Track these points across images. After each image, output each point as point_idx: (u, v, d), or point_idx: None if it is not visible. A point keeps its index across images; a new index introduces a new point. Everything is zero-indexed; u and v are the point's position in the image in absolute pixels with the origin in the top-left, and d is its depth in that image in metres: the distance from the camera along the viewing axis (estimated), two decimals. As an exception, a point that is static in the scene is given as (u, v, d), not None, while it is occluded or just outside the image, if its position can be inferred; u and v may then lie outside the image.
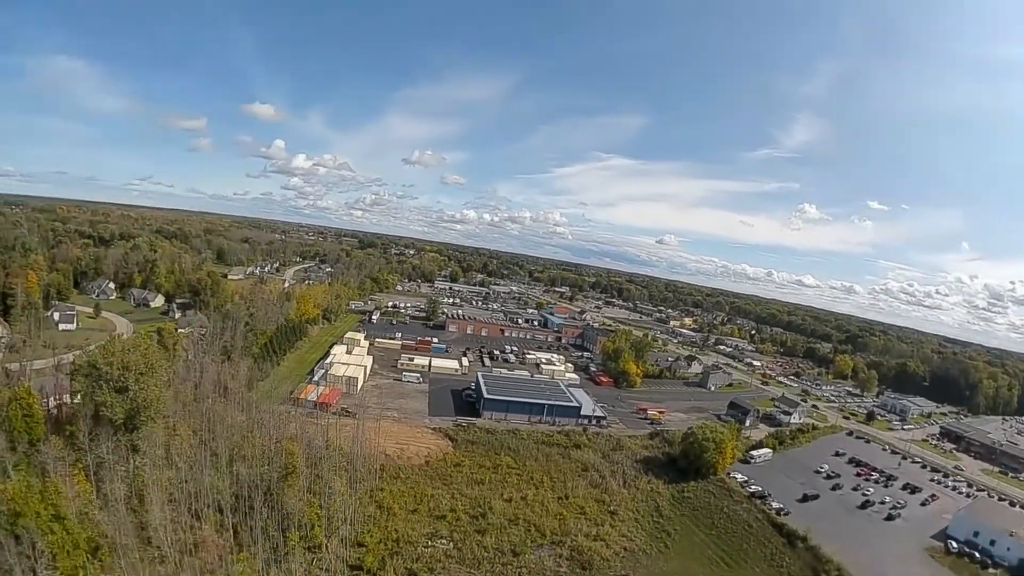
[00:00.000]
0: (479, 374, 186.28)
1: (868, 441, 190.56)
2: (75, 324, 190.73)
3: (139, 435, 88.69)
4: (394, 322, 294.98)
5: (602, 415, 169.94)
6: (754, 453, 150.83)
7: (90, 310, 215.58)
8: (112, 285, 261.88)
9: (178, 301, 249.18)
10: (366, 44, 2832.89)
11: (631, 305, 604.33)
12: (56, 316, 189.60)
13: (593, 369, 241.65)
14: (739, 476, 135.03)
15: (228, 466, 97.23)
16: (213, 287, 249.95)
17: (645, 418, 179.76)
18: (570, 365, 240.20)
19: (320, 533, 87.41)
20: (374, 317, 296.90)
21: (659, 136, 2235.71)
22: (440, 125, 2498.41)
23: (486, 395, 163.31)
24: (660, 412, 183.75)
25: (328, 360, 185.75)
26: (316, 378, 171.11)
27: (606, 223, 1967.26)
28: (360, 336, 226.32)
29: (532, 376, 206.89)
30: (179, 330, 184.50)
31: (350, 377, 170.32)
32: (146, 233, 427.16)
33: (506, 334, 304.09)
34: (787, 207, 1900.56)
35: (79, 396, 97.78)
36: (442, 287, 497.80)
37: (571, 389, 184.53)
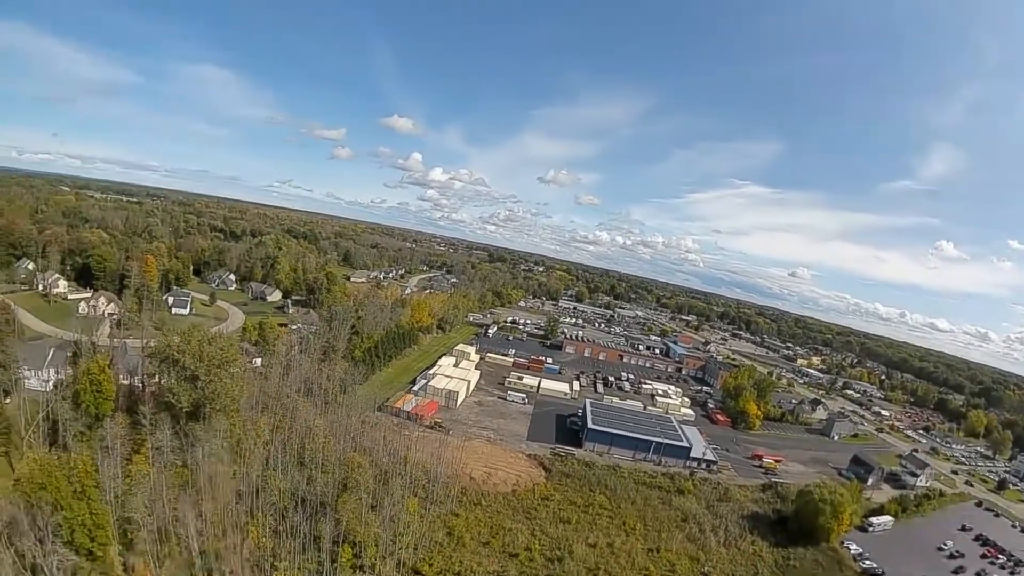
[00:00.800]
0: (587, 401, 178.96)
1: (997, 515, 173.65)
2: (187, 309, 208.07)
3: (202, 426, 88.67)
4: (510, 338, 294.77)
5: (713, 459, 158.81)
6: (873, 520, 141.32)
7: (206, 298, 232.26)
8: (232, 277, 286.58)
9: (294, 298, 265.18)
10: (504, 63, 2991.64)
11: (758, 339, 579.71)
12: (171, 300, 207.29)
13: (711, 406, 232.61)
14: (853, 547, 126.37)
15: (294, 468, 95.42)
16: (328, 287, 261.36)
17: (759, 466, 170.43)
18: (687, 400, 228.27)
19: (375, 553, 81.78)
20: (490, 331, 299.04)
21: (794, 164, 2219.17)
22: (575, 145, 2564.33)
23: (590, 425, 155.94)
24: (777, 461, 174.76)
25: (432, 371, 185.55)
26: (415, 388, 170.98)
27: (739, 252, 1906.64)
28: (471, 349, 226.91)
29: (644, 408, 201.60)
30: (282, 325, 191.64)
31: (450, 391, 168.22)
32: (276, 232, 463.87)
33: (624, 360, 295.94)
34: (923, 243, 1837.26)
35: (155, 378, 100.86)
36: (566, 306, 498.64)
37: (683, 427, 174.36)
